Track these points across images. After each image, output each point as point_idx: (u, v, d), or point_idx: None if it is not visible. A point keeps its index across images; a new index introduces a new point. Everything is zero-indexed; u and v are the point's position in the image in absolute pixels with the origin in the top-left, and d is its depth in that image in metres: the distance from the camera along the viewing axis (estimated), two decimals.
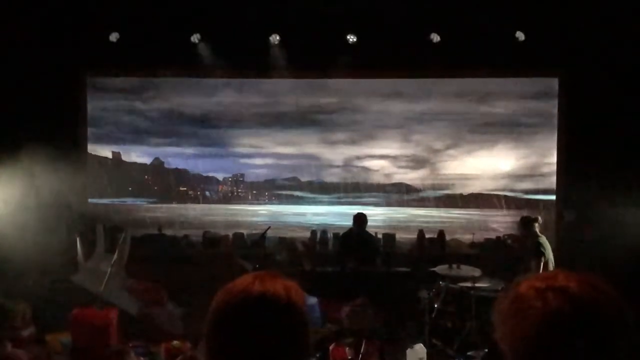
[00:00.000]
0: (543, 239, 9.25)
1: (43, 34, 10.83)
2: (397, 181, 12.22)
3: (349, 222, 11.12)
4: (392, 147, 12.11)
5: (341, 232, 11.51)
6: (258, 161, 11.99)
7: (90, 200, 12.27)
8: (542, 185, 11.90)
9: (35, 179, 9.91)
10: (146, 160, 12.28)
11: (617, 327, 1.68)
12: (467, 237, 12.04)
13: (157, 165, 12.16)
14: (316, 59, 11.17)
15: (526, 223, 9.29)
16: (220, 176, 12.23)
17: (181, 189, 11.92)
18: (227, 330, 1.92)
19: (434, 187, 12.16)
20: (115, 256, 10.13)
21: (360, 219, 11.01)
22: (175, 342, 8.45)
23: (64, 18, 10.64)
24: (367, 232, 11.11)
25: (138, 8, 10.53)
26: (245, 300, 1.93)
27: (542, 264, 9.02)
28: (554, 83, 11.70)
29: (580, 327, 1.65)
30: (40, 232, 10.31)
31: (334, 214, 12.10)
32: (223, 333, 1.93)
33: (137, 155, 12.31)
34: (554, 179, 11.80)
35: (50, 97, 11.20)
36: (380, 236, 11.79)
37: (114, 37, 10.75)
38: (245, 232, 12.09)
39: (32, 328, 9.52)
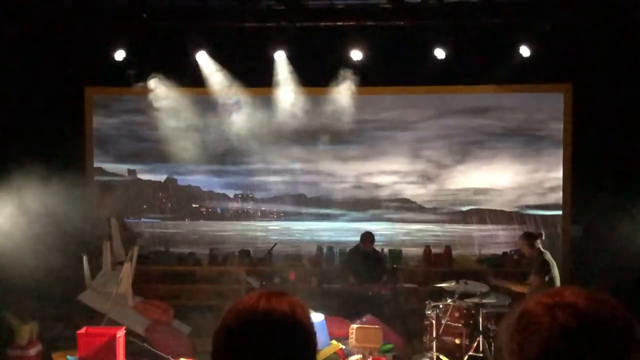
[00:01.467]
0: (548, 256, 9.22)
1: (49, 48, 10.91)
2: (403, 197, 12.23)
3: (356, 238, 11.11)
4: (398, 163, 12.13)
5: (348, 248, 11.50)
6: (268, 178, 12.02)
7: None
8: (548, 200, 11.89)
9: (41, 197, 9.94)
10: (160, 177, 12.35)
11: (626, 342, 1.68)
12: (473, 253, 12.04)
13: (171, 181, 12.21)
14: (322, 75, 11.23)
15: (529, 239, 9.26)
16: (231, 193, 12.26)
17: (194, 205, 11.94)
18: (234, 348, 1.93)
19: (440, 203, 12.16)
20: (122, 274, 10.16)
21: (367, 237, 10.99)
22: None
23: (70, 33, 10.70)
24: (373, 249, 11.10)
25: (143, 25, 10.60)
26: (251, 318, 1.94)
27: (546, 280, 8.99)
28: (560, 98, 11.71)
29: (588, 343, 1.65)
30: (48, 251, 10.33)
31: (341, 230, 12.10)
32: (230, 351, 1.94)
33: (150, 172, 12.39)
34: (560, 194, 11.79)
35: (55, 113, 11.27)
36: (386, 252, 11.77)
37: (119, 55, 10.81)
38: (251, 249, 12.11)
39: (39, 346, 9.54)
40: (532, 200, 11.97)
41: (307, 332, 1.98)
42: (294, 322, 1.96)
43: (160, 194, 12.32)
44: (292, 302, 2.01)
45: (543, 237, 9.45)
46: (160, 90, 11.27)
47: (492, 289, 9.94)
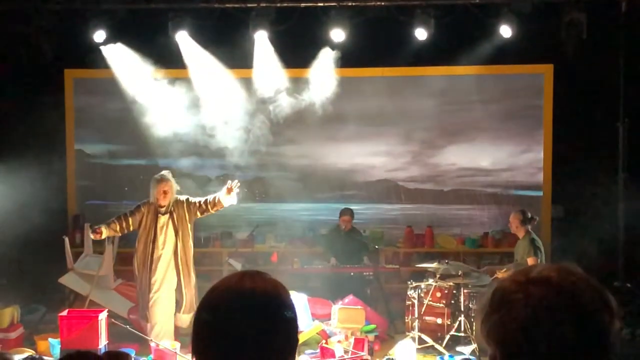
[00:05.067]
0: (537, 239, 9.33)
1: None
2: (384, 177, 12.23)
3: (336, 218, 11.11)
4: (379, 144, 12.12)
5: (329, 229, 11.50)
6: (248, 159, 11.96)
7: (87, 202, 12.25)
8: (529, 181, 11.94)
9: (21, 180, 9.87)
10: (141, 160, 12.28)
11: (601, 311, 1.69)
12: (455, 233, 12.08)
13: (152, 164, 12.17)
14: (302, 55, 11.19)
15: (524, 216, 9.35)
16: (212, 175, 12.21)
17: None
18: (219, 327, 1.93)
19: (421, 184, 12.17)
20: (104, 257, 10.12)
21: (346, 212, 10.98)
22: (162, 343, 8.44)
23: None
24: (354, 229, 11.11)
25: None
26: (237, 296, 1.95)
27: (538, 262, 9.07)
28: (540, 79, 11.74)
29: (566, 314, 1.66)
30: (29, 233, 10.29)
31: (322, 211, 12.08)
32: (215, 330, 1.94)
33: (131, 155, 12.32)
34: (541, 175, 11.84)
35: (35, 95, 11.19)
36: (367, 233, 11.78)
37: (99, 36, 10.71)
38: (233, 230, 12.08)
39: (20, 329, 9.50)
40: (513, 180, 12.01)
41: (291, 311, 2.00)
42: (279, 299, 1.99)
43: (141, 176, 12.24)
44: (275, 282, 2.03)
45: (535, 222, 9.56)
46: (142, 72, 11.18)
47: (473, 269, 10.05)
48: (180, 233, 8.87)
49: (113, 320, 9.12)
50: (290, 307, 2.00)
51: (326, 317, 9.27)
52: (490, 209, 12.03)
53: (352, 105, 11.94)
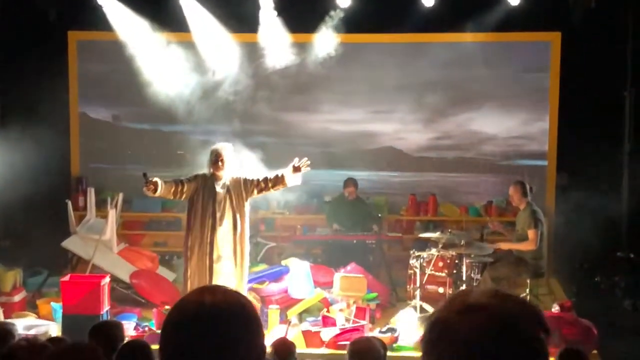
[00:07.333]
0: (538, 210, 9.31)
1: None
2: (389, 145, 12.14)
3: (340, 185, 11.07)
4: (383, 111, 12.00)
5: (333, 196, 11.46)
6: (252, 125, 11.88)
7: (91, 165, 12.20)
8: (534, 150, 11.84)
9: (24, 143, 9.81)
10: (145, 124, 12.21)
11: (538, 334, 1.71)
12: (459, 202, 12.01)
13: (156, 128, 12.09)
14: (307, 20, 11.06)
15: (523, 187, 9.32)
16: (215, 139, 12.09)
17: (179, 152, 11.75)
18: (180, 345, 1.92)
19: (426, 151, 12.08)
20: (108, 220, 10.11)
21: (350, 182, 10.95)
22: (167, 307, 8.44)
23: None
24: (358, 197, 11.08)
25: None
26: (197, 313, 1.93)
27: (538, 234, 9.05)
28: (548, 46, 11.60)
29: (507, 341, 1.67)
30: (32, 197, 10.25)
31: (326, 178, 11.99)
32: (177, 347, 1.93)
33: (135, 119, 12.24)
34: (546, 143, 11.74)
35: (38, 58, 11.08)
36: (371, 201, 11.74)
37: None
38: None
39: (23, 293, 9.52)
40: (519, 149, 11.91)
41: (254, 324, 1.99)
42: (240, 314, 1.96)
43: (145, 140, 12.19)
44: (236, 295, 2.02)
45: (533, 192, 9.53)
46: (145, 35, 11.06)
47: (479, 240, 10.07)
48: (238, 213, 7.98)
49: (115, 285, 9.14)
50: (252, 320, 1.99)
51: (328, 285, 9.26)
52: (495, 177, 11.94)
53: (358, 71, 11.82)
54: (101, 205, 10.96)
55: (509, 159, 11.93)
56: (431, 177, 12.14)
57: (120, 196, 10.65)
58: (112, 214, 10.13)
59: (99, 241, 9.82)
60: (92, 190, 10.75)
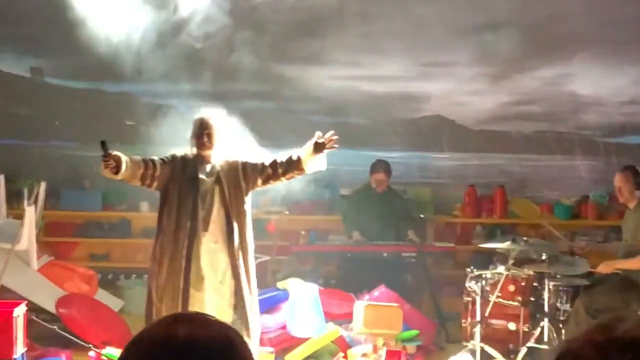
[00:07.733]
0: None
1: None
2: (437, 113, 12.16)
3: (365, 173, 11.08)
4: (430, 62, 12.00)
5: (353, 187, 11.47)
6: (235, 83, 11.93)
7: None
8: None
9: None
10: (79, 82, 12.25)
11: None
12: (538, 197, 12.02)
13: (95, 88, 12.15)
14: None
15: (636, 177, 9.28)
16: (182, 105, 12.17)
17: (128, 123, 11.82)
18: None
19: (492, 123, 12.09)
20: (24, 221, 10.11)
21: (381, 167, 10.93)
22: (109, 350, 8.48)
23: None
24: (391, 189, 11.08)
25: None
26: (168, 352, 1.94)
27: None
28: None
29: None
30: None
31: (344, 159, 11.97)
32: None
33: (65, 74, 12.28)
34: None
35: None
36: (409, 194, 11.75)
37: None
38: None
39: None
40: (629, 119, 11.90)
41: (244, 347, 2.03)
42: (228, 348, 1.99)
43: (79, 105, 12.21)
44: (221, 326, 2.04)
45: None
46: None
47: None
48: (233, 213, 7.55)
49: (35, 316, 9.16)
50: (242, 342, 2.02)
51: (346, 318, 9.28)
52: (594, 161, 11.94)
53: (392, 4, 11.82)
54: (14, 200, 10.97)
55: (616, 135, 11.93)
56: (499, 161, 12.18)
57: (43, 186, 10.63)
58: (30, 212, 10.12)
59: (11, 252, 9.83)
60: (1, 177, 10.77)
